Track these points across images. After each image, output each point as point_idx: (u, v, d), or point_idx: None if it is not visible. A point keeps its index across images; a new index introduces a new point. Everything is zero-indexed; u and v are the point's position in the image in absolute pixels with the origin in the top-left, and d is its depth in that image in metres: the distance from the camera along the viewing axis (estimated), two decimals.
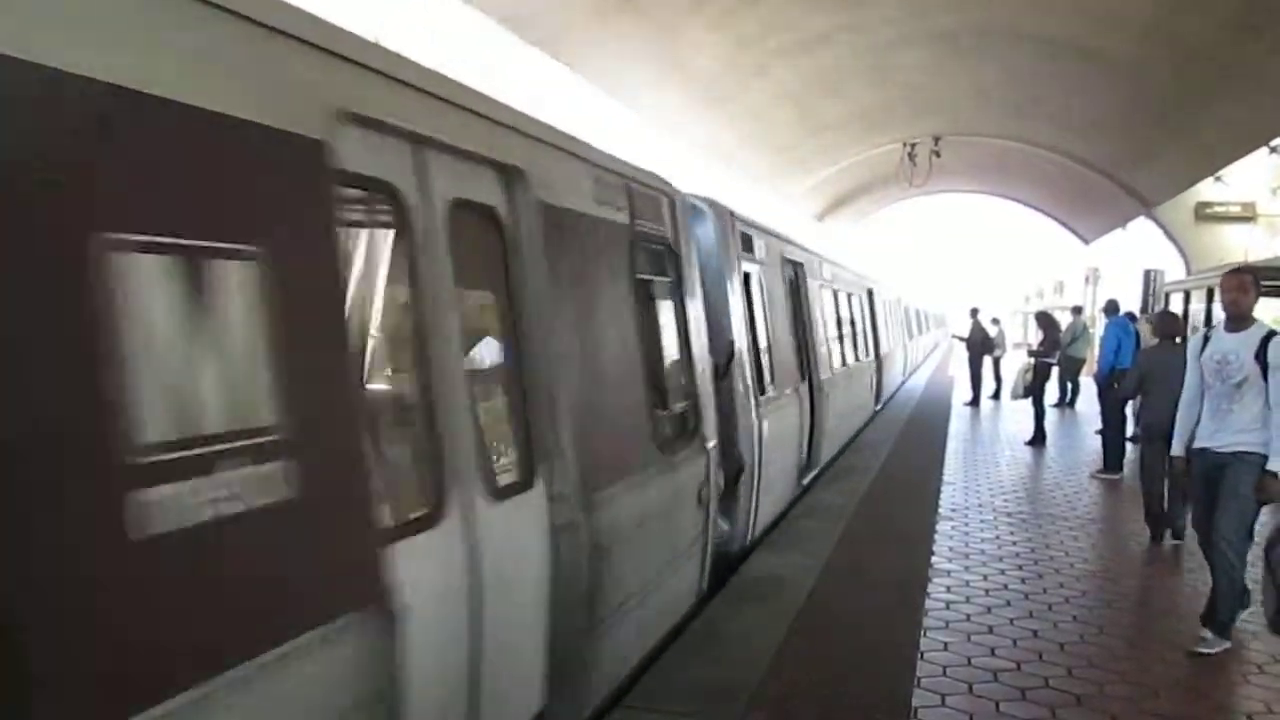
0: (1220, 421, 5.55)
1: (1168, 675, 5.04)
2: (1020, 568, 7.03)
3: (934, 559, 7.22)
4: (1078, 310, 18.17)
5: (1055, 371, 15.78)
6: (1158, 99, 14.66)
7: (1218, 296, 13.27)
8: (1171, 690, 4.86)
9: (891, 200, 30.31)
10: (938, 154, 19.88)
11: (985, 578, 6.75)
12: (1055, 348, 15.30)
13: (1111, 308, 12.97)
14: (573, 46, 11.10)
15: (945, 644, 5.40)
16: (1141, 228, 23.51)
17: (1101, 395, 11.68)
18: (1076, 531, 8.29)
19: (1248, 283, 5.69)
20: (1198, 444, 5.69)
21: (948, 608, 6.06)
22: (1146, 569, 7.35)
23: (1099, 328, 15.37)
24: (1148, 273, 20.32)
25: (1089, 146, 18.95)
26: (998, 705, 4.63)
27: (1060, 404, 18.02)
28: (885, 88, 16.31)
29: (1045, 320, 15.96)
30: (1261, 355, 5.37)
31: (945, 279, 49.72)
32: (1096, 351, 14.20)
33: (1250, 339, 5.48)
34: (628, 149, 5.61)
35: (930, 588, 6.47)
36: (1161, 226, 22.67)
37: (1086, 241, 28.85)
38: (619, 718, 4.45)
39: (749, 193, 17.22)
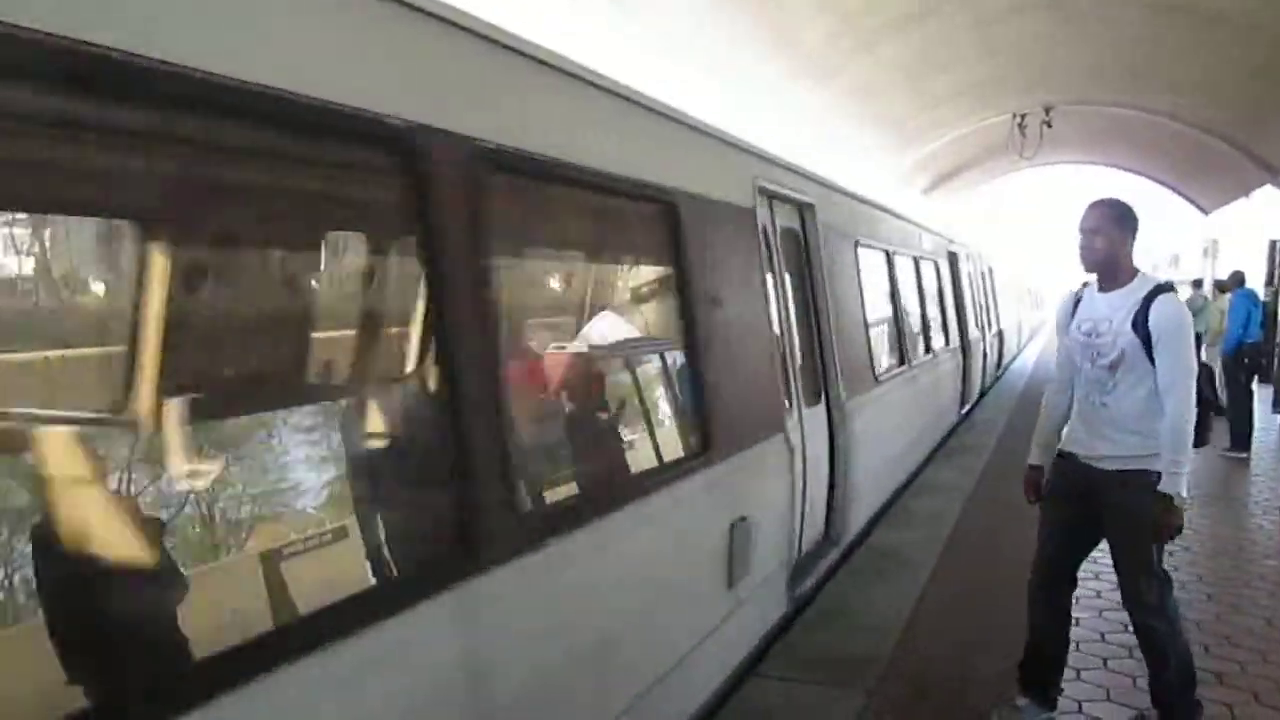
0: (1090, 420, 3.92)
1: None
2: None
3: None
4: (1197, 284, 17.52)
5: None
6: None
7: None
8: None
9: (1000, 173, 29.55)
10: (1049, 124, 19.31)
11: None
12: None
13: (1238, 279, 12.45)
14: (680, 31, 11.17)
15: (1078, 620, 5.38)
16: (1268, 196, 22.42)
17: (1227, 370, 11.20)
18: (1205, 510, 8.09)
19: (1106, 216, 3.83)
20: (1065, 446, 4.13)
21: (1079, 584, 6.00)
22: None
23: (1217, 302, 14.82)
24: (1274, 243, 19.38)
25: (1209, 112, 18.15)
26: (1135, 680, 4.63)
27: None
28: (995, 59, 15.93)
29: None
30: (1141, 323, 3.67)
31: (1056, 253, 48.07)
32: (1218, 325, 13.61)
33: (1126, 301, 3.76)
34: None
35: None
36: None
37: (1206, 212, 27.64)
38: (753, 685, 4.60)
39: (857, 167, 17.01)
